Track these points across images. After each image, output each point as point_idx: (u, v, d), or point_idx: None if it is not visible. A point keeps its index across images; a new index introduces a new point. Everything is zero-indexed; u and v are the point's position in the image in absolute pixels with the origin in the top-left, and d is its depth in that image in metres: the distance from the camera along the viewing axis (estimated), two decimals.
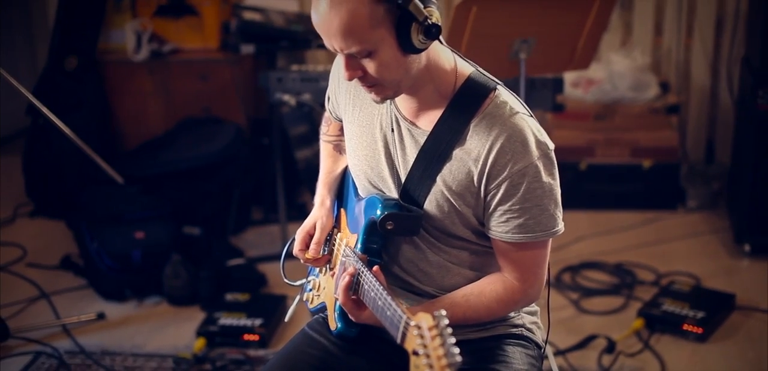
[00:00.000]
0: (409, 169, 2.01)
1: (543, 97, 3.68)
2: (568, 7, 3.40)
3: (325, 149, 2.40)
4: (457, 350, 1.51)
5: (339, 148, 2.37)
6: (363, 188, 2.14)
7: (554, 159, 1.95)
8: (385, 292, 1.81)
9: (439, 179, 1.96)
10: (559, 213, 1.97)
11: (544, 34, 3.40)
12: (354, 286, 1.97)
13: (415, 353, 1.60)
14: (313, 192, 5.20)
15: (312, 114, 4.90)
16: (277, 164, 4.41)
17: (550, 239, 2.00)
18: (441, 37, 1.90)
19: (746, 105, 4.35)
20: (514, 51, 3.40)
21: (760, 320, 3.78)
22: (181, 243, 4.20)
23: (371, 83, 1.90)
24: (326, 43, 1.87)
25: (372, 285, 1.88)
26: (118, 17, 4.98)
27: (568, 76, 4.75)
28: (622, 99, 4.95)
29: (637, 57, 5.04)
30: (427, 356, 1.56)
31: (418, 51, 1.86)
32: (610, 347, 3.54)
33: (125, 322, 3.91)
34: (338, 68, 2.16)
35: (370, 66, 1.86)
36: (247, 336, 3.65)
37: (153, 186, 4.37)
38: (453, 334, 1.57)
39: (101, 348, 3.66)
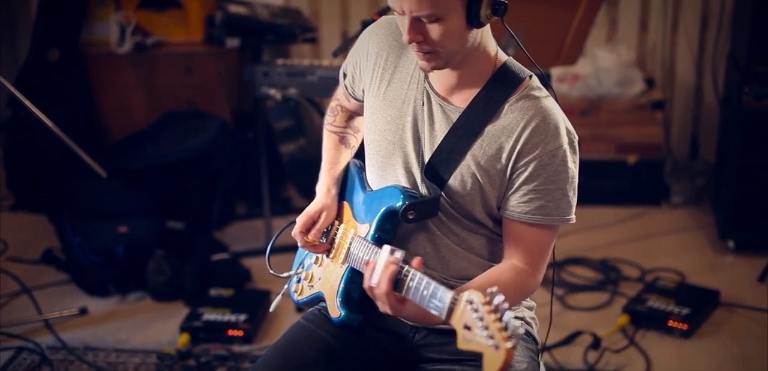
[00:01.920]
0: (436, 142, 2.03)
1: None
2: (557, 4, 3.41)
3: (329, 139, 2.39)
4: (518, 323, 1.55)
5: (344, 140, 2.37)
6: (379, 165, 2.12)
7: (578, 150, 2.01)
8: (426, 277, 1.80)
9: (469, 154, 1.99)
10: (575, 202, 2.02)
11: (533, 29, 3.40)
12: (398, 284, 1.88)
13: (468, 328, 1.61)
14: (297, 187, 5.24)
15: (297, 109, 4.88)
16: (262, 158, 4.38)
17: (559, 228, 2.04)
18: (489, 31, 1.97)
19: (732, 102, 4.35)
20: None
21: (744, 316, 3.79)
22: (165, 238, 4.17)
23: (428, 50, 1.93)
24: (394, 4, 1.90)
25: (415, 276, 1.82)
26: (101, 9, 4.92)
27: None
28: (608, 95, 4.95)
29: (623, 53, 5.04)
30: (486, 327, 1.57)
31: (482, 25, 1.91)
32: (596, 343, 3.54)
33: (108, 317, 3.88)
34: (366, 43, 2.18)
35: (434, 31, 1.89)
36: (231, 332, 3.63)
37: (137, 180, 4.34)
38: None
39: (84, 343, 3.63)
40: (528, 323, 2.18)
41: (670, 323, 3.64)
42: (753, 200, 4.26)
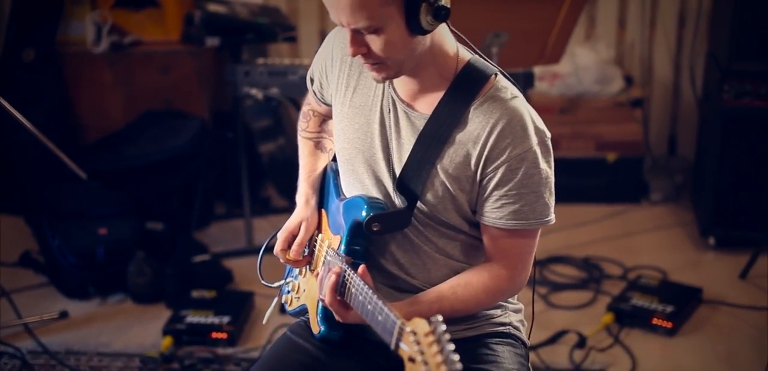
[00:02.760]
0: (404, 154, 1.97)
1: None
2: (541, 3, 3.40)
3: (305, 146, 2.33)
4: (457, 357, 1.48)
5: (319, 145, 2.32)
6: (351, 174, 2.09)
7: (551, 148, 1.94)
8: (375, 295, 1.77)
9: (437, 164, 1.93)
10: (553, 203, 1.96)
11: (516, 28, 3.39)
12: (340, 288, 1.93)
13: (412, 360, 1.56)
14: (277, 186, 5.21)
15: (276, 108, 4.85)
16: (242, 158, 4.35)
17: (540, 229, 1.98)
18: (449, 22, 1.90)
19: (712, 100, 4.38)
20: (486, 45, 3.39)
21: (727, 313, 3.81)
22: (145, 239, 4.13)
23: (374, 61, 1.88)
24: (333, 16, 1.84)
25: (359, 287, 1.84)
26: (77, 8, 4.86)
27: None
28: (587, 93, 4.96)
29: (602, 51, 5.05)
30: (426, 363, 1.51)
31: (425, 32, 1.84)
32: (581, 342, 3.54)
33: (89, 321, 3.83)
34: (330, 48, 2.12)
35: (375, 43, 1.84)
36: (215, 334, 3.59)
37: (116, 181, 4.29)
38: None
39: (65, 347, 3.58)
40: (515, 327, 2.16)
41: (655, 321, 3.64)
42: (733, 197, 4.28)
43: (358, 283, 1.85)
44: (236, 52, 4.26)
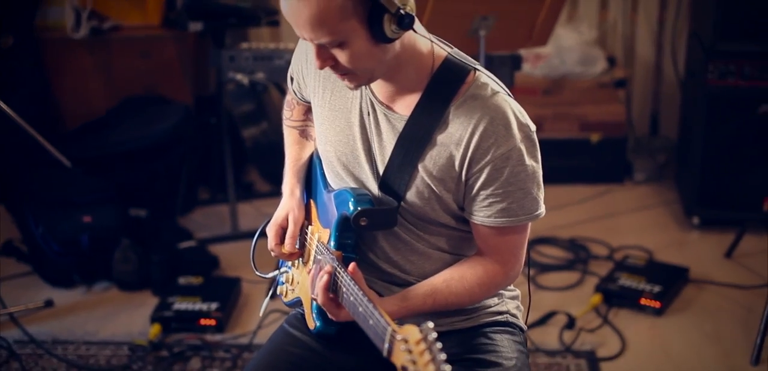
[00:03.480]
0: (386, 156, 1.94)
1: (501, 74, 3.54)
2: None
3: (290, 135, 2.30)
4: (448, 367, 1.45)
5: (304, 133, 2.29)
6: (334, 175, 2.06)
7: (536, 141, 1.90)
8: (366, 298, 1.74)
9: (419, 165, 1.90)
10: (541, 195, 1.93)
11: (504, 11, 3.38)
12: (332, 286, 1.90)
13: (405, 369, 1.52)
14: (260, 171, 5.18)
15: (258, 92, 4.82)
16: (226, 143, 4.32)
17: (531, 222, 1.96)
18: (417, 23, 1.84)
19: (696, 80, 4.38)
20: (474, 28, 3.37)
21: (713, 292, 3.83)
22: (129, 226, 4.09)
23: (343, 72, 1.83)
24: (296, 31, 1.79)
25: (350, 288, 1.81)
26: None
27: None
28: (570, 74, 4.96)
29: (584, 32, 5.05)
30: None
31: (391, 41, 1.78)
32: (570, 323, 3.55)
33: (74, 309, 3.80)
34: (305, 49, 2.08)
35: (341, 56, 1.79)
36: (203, 321, 3.57)
37: (100, 168, 4.24)
38: (438, 326, 1.51)
39: (51, 336, 3.55)
40: (513, 314, 2.14)
41: (643, 301, 3.66)
42: (717, 176, 4.30)
43: (349, 283, 1.82)
44: (219, 37, 4.22)
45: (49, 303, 3.78)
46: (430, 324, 1.50)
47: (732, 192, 4.30)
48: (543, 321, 3.58)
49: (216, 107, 4.48)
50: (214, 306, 3.61)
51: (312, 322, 2.04)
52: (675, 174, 4.98)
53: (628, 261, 3.96)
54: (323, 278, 1.89)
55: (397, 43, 1.82)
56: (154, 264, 3.89)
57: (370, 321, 1.69)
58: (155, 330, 3.51)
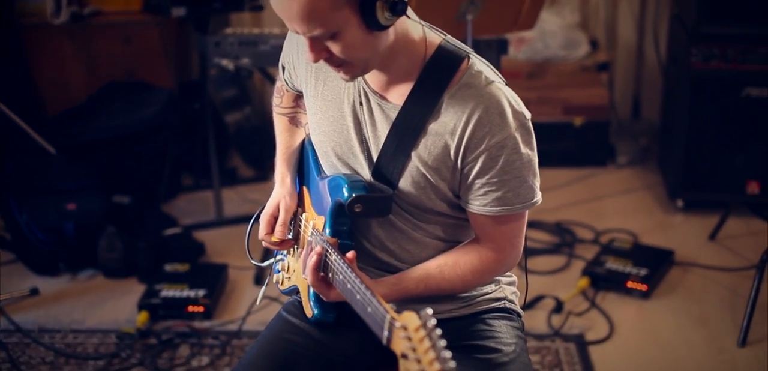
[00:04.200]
0: (380, 145, 1.93)
1: (488, 58, 3.56)
2: None
3: (280, 122, 2.28)
4: (449, 354, 1.43)
5: (294, 120, 2.27)
6: (329, 165, 2.05)
7: (531, 128, 1.89)
8: (363, 285, 1.72)
9: (413, 154, 1.89)
10: (538, 183, 1.93)
11: None
12: (322, 266, 1.89)
13: (405, 356, 1.51)
14: (244, 156, 5.16)
15: (244, 78, 4.79)
16: (210, 129, 4.30)
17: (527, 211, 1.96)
18: (409, 10, 1.82)
19: (679, 63, 4.40)
20: (462, 12, 3.37)
21: (699, 274, 3.85)
22: (114, 213, 4.06)
23: (338, 63, 1.81)
24: (288, 25, 1.78)
25: (347, 275, 1.79)
26: None
27: None
28: (554, 57, 4.97)
29: (567, 15, 5.06)
30: (418, 361, 1.47)
31: (385, 28, 1.76)
32: (559, 307, 3.56)
33: (60, 297, 3.77)
34: (297, 40, 2.06)
35: (335, 48, 1.76)
36: (191, 308, 3.56)
37: (82, 154, 4.20)
38: (436, 314, 1.50)
39: (38, 325, 3.53)
40: (510, 300, 2.15)
41: (630, 284, 3.67)
42: (700, 159, 4.32)
43: (345, 270, 1.80)
44: (203, 22, 4.19)
45: (34, 292, 3.75)
46: (429, 311, 1.49)
47: (715, 175, 4.32)
48: (531, 305, 3.59)
49: (200, 92, 4.45)
50: (201, 292, 3.60)
51: (309, 310, 2.04)
52: (658, 157, 5.00)
53: (614, 245, 3.98)
54: (313, 258, 1.88)
55: (391, 31, 1.80)
56: (140, 251, 3.86)
57: (369, 309, 1.68)
58: (143, 317, 3.49)
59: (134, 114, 4.35)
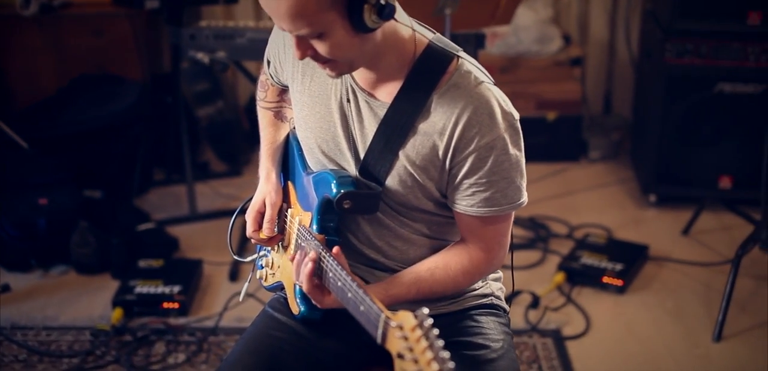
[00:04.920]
0: (368, 142, 1.91)
1: (466, 52, 3.64)
2: None
3: (264, 117, 2.27)
4: (447, 354, 1.43)
5: (279, 115, 2.26)
6: (315, 161, 2.04)
7: (520, 129, 1.89)
8: (355, 283, 1.71)
9: (401, 153, 1.88)
10: (524, 184, 1.93)
11: None
12: (317, 271, 1.87)
13: (401, 356, 1.50)
14: (216, 151, 5.11)
15: (219, 71, 4.74)
16: (182, 123, 4.25)
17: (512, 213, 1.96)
18: (399, 10, 1.81)
19: (653, 58, 4.42)
20: (440, 7, 3.35)
21: (673, 269, 3.88)
22: (86, 208, 4.01)
23: (324, 61, 1.80)
24: (275, 22, 1.76)
25: (337, 273, 1.78)
26: None
27: None
28: (527, 52, 4.97)
29: (540, 10, 5.06)
30: (415, 361, 1.45)
31: (371, 31, 1.75)
32: (535, 302, 3.57)
33: (32, 294, 3.72)
34: (284, 33, 2.01)
35: (321, 47, 1.75)
36: (166, 304, 3.53)
37: (53, 148, 4.14)
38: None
39: (10, 322, 3.48)
40: (497, 296, 2.16)
41: (605, 279, 3.69)
42: (673, 155, 4.34)
43: (336, 268, 1.79)
44: (176, 15, 4.14)
45: (5, 288, 3.69)
46: (425, 310, 1.49)
47: (688, 170, 4.35)
48: (507, 300, 3.58)
49: (172, 86, 4.40)
50: (176, 289, 3.56)
51: (296, 307, 2.02)
52: (630, 152, 5.03)
53: (589, 239, 3.99)
54: (308, 265, 1.85)
55: (378, 32, 1.78)
56: (114, 247, 3.82)
57: (361, 308, 1.66)
58: (117, 314, 3.45)
59: (106, 107, 4.30)
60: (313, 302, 1.91)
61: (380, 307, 1.60)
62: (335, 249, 1.84)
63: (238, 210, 2.35)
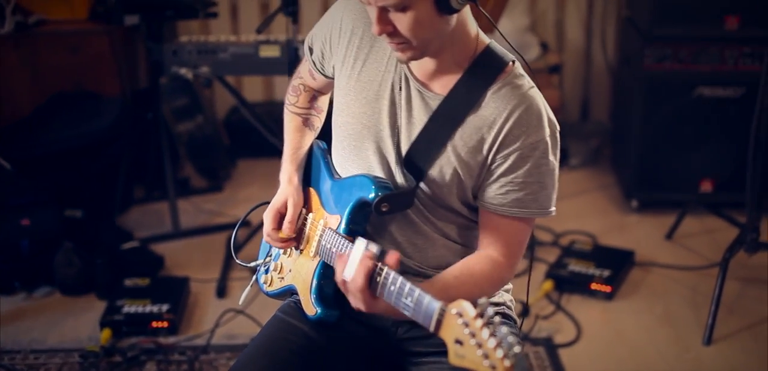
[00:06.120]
0: (413, 132, 1.95)
1: None
2: None
3: (291, 121, 2.28)
4: (513, 339, 1.48)
5: (308, 122, 2.28)
6: (350, 149, 2.03)
7: (559, 141, 1.96)
8: (409, 284, 1.72)
9: (449, 144, 1.92)
10: (555, 196, 1.97)
11: None
12: (372, 280, 1.81)
13: (459, 342, 1.53)
14: (196, 166, 5.06)
15: (192, 86, 4.72)
16: (163, 139, 4.22)
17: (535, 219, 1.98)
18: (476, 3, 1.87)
19: (632, 64, 4.45)
20: None
21: (660, 274, 3.90)
22: (68, 228, 3.96)
23: (400, 41, 1.84)
24: None
25: (393, 278, 1.75)
26: None
27: None
28: None
29: (517, 18, 5.09)
30: (479, 345, 1.50)
31: (455, 11, 1.81)
32: (525, 311, 3.57)
33: (17, 316, 3.66)
34: (340, 17, 2.06)
35: (402, 21, 1.80)
36: (155, 324, 3.48)
37: (34, 168, 4.09)
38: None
39: None
40: (508, 306, 2.18)
41: (594, 286, 3.71)
42: (654, 159, 4.38)
43: (390, 273, 1.76)
44: (156, 31, 4.11)
45: None
46: (486, 299, 1.54)
47: (669, 175, 4.39)
48: (521, 315, 3.59)
49: (152, 101, 4.36)
50: (164, 307, 3.53)
51: (312, 308, 2.02)
52: (611, 158, 5.06)
53: (575, 246, 4.01)
54: (366, 263, 1.78)
55: (454, 19, 1.84)
56: (98, 267, 3.77)
57: (423, 303, 1.67)
58: (106, 334, 3.41)
59: (85, 125, 4.24)
60: (362, 306, 1.83)
61: (433, 296, 1.65)
62: (392, 259, 1.78)
63: (241, 221, 2.36)
